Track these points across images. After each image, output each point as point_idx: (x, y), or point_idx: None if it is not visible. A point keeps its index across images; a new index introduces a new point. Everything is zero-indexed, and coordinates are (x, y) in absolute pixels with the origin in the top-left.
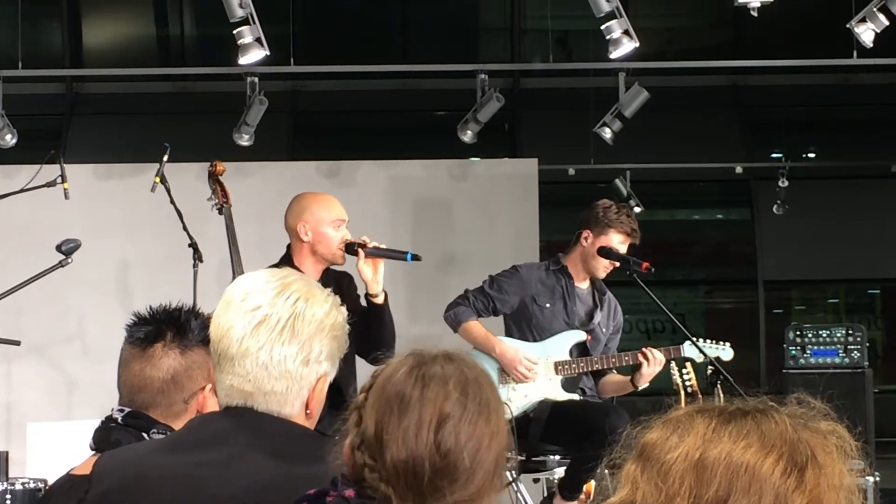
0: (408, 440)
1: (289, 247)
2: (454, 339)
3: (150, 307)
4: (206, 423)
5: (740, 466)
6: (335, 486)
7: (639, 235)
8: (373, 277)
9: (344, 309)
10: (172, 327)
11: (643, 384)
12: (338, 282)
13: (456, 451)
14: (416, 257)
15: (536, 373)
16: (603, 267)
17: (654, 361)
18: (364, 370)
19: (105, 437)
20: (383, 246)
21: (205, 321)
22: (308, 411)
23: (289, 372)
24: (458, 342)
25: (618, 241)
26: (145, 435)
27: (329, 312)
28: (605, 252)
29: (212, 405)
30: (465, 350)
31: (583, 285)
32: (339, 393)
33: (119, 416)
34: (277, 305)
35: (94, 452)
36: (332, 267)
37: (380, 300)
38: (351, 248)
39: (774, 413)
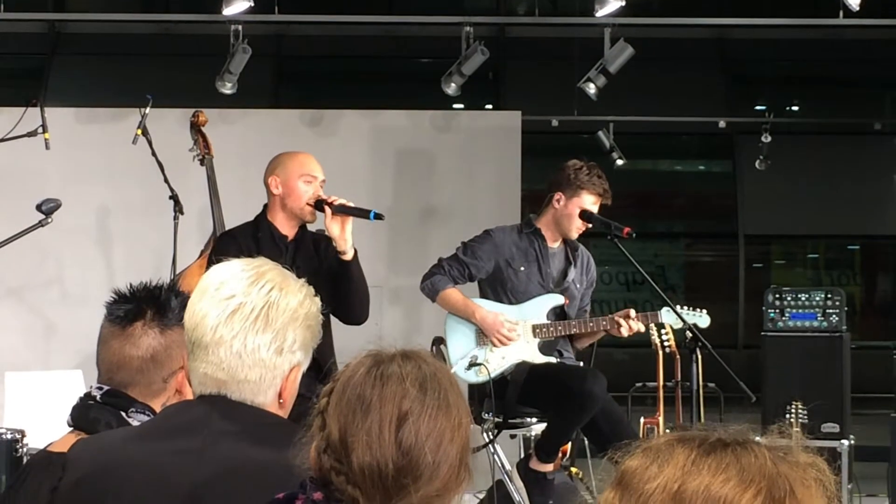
0: (371, 441)
1: (265, 206)
2: None
3: (131, 284)
4: (181, 411)
5: (718, 500)
6: (303, 488)
7: (610, 196)
8: (340, 234)
9: (318, 299)
10: (152, 306)
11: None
12: (315, 243)
13: (417, 448)
14: (378, 216)
15: (519, 334)
16: (576, 228)
17: (628, 330)
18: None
19: (83, 415)
20: (350, 203)
21: (185, 299)
22: (281, 400)
23: (262, 360)
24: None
25: (590, 203)
26: (123, 413)
27: (303, 302)
28: (587, 216)
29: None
30: (424, 346)
31: (555, 245)
32: (318, 368)
33: (98, 394)
34: (252, 294)
35: (71, 429)
36: (313, 229)
37: (348, 257)
38: (319, 205)
39: (754, 446)
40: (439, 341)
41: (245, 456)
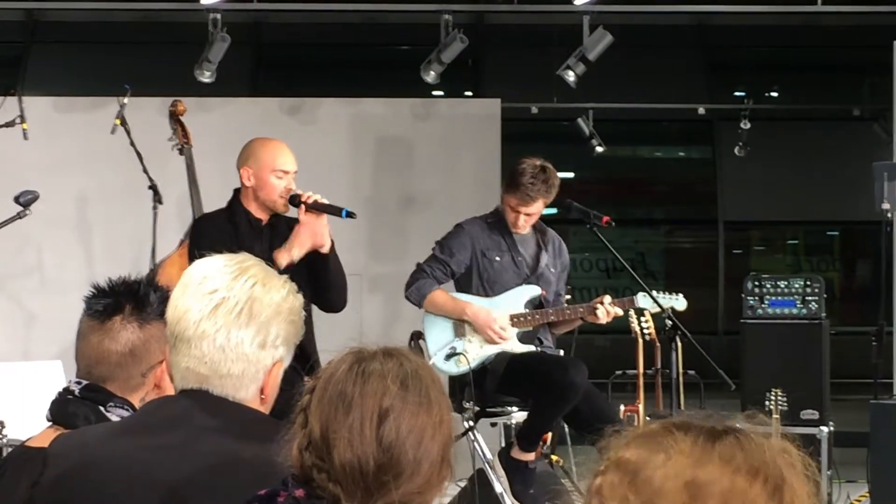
0: (352, 438)
1: (237, 190)
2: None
3: (110, 279)
4: (162, 407)
5: (732, 489)
6: (286, 485)
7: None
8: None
9: (301, 295)
10: (131, 300)
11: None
12: (291, 229)
13: (398, 445)
14: (350, 214)
15: (509, 336)
16: (512, 223)
17: (605, 315)
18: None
19: (62, 410)
20: (324, 200)
21: (164, 294)
22: (263, 396)
23: (245, 355)
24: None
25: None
26: (102, 408)
27: (286, 297)
28: (566, 206)
29: (169, 379)
30: (404, 345)
31: (525, 231)
32: (305, 358)
33: (76, 389)
34: (235, 289)
35: (50, 424)
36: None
37: (325, 250)
38: (294, 201)
39: (747, 433)
40: (418, 336)
41: (227, 452)
